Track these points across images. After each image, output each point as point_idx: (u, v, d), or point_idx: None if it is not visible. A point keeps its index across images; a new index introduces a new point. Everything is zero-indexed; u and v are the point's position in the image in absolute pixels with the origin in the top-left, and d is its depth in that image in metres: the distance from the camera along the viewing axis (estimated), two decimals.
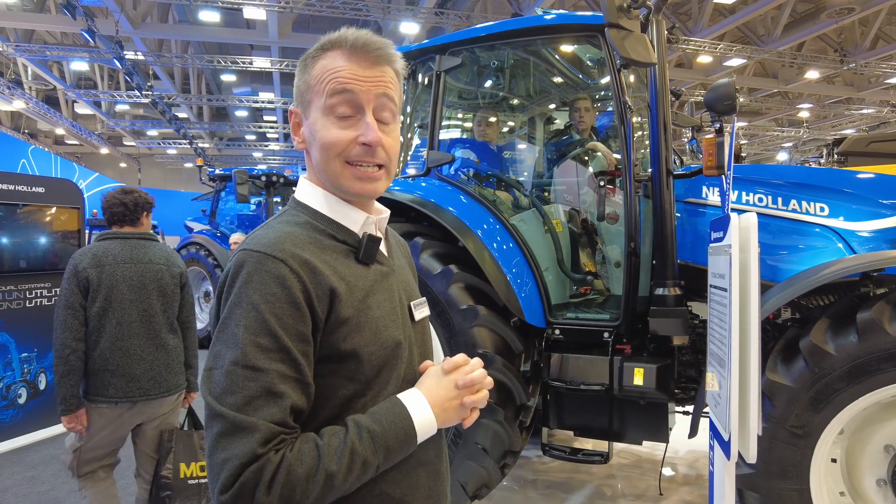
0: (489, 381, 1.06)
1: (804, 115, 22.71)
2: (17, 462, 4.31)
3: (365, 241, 1.03)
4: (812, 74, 16.84)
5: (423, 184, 3.36)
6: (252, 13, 12.95)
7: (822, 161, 10.22)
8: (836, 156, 8.82)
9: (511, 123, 4.28)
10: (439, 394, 1.00)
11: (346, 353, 0.95)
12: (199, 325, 8.83)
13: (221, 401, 0.84)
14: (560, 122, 4.08)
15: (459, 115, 4.09)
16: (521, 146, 4.29)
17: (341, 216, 1.04)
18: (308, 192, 1.06)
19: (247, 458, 0.81)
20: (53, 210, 5.16)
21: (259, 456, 0.81)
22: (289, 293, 0.89)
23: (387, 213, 1.13)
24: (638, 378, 2.73)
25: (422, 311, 1.16)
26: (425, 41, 3.56)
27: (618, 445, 4.29)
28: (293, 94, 1.07)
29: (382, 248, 1.10)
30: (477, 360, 1.07)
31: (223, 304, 0.92)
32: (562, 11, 3.20)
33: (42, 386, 4.96)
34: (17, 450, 4.55)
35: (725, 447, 1.80)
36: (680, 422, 3.23)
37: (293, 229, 0.98)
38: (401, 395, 0.99)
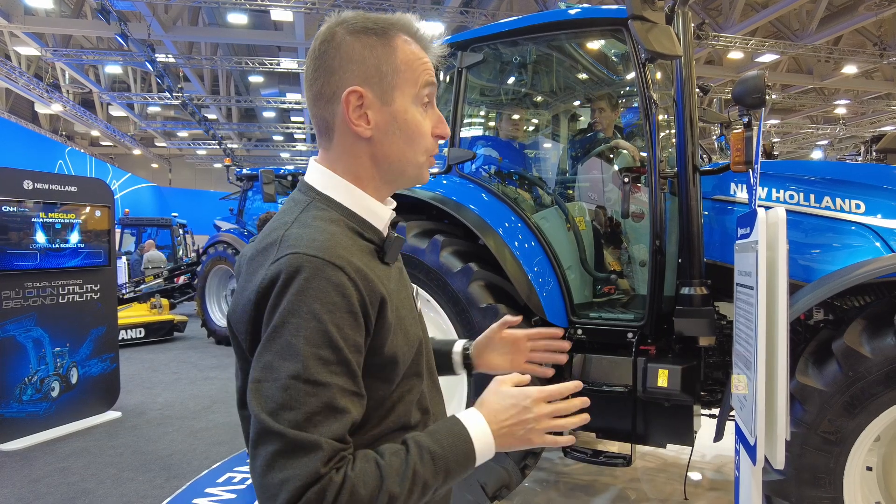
0: (574, 402, 0.97)
1: (840, 111, 22.01)
2: (50, 453, 4.43)
3: (392, 242, 1.00)
4: (849, 69, 16.30)
5: (445, 181, 3.34)
6: (279, 15, 13.14)
7: (860, 159, 9.90)
8: (874, 153, 8.53)
9: (534, 120, 4.23)
10: (500, 417, 0.95)
11: (388, 358, 0.93)
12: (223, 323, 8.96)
13: (278, 417, 0.79)
14: (585, 119, 4.02)
15: (482, 113, 4.06)
16: (545, 143, 4.24)
17: (369, 213, 1.00)
18: (332, 184, 0.99)
19: (310, 479, 0.77)
20: (87, 209, 5.30)
21: (321, 476, 0.77)
22: (348, 302, 0.85)
23: (394, 203, 1.10)
24: (662, 380, 2.66)
25: (420, 299, 1.17)
26: (447, 38, 3.54)
27: (643, 448, 4.21)
28: (352, 72, 0.95)
29: None
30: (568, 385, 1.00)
31: (272, 311, 0.84)
32: (586, 5, 3.15)
33: (74, 380, 5.10)
34: (50, 441, 4.68)
35: (752, 452, 1.74)
36: (706, 425, 3.14)
37: (335, 229, 0.92)
38: (461, 415, 0.95)
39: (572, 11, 3.08)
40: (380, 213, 1.01)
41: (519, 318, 1.34)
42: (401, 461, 0.85)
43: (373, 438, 0.93)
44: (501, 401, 0.96)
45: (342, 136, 0.99)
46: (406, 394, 0.99)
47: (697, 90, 2.98)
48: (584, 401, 1.00)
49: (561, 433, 0.98)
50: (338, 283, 0.84)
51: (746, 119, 2.40)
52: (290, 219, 0.94)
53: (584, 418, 0.99)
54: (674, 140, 2.96)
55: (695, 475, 3.92)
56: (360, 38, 0.96)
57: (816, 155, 25.23)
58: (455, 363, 1.32)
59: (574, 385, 1.00)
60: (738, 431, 1.99)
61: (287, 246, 0.87)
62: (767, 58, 15.22)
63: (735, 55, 15.56)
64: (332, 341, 0.82)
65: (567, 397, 0.99)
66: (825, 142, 25.58)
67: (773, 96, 17.04)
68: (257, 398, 0.82)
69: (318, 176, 1.00)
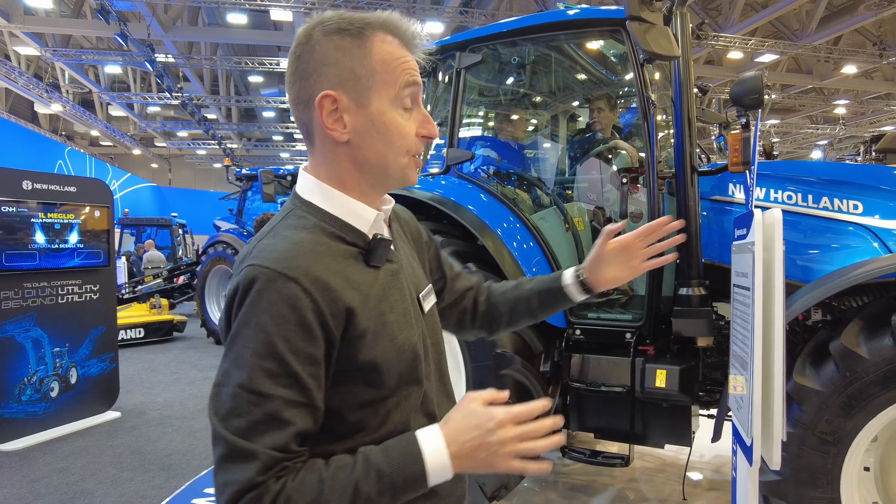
0: (543, 424, 0.90)
1: (840, 111, 22.02)
2: (49, 453, 4.44)
3: (376, 245, 0.97)
4: (849, 69, 16.31)
5: (444, 182, 3.34)
6: (279, 15, 13.14)
7: (860, 159, 9.90)
8: (873, 153, 8.53)
9: (533, 121, 4.23)
10: (461, 437, 0.88)
11: (365, 365, 0.92)
12: None
13: (226, 423, 0.82)
14: (584, 119, 4.03)
15: (480, 113, 4.06)
16: (544, 144, 4.24)
17: (351, 215, 0.97)
18: (314, 189, 0.99)
19: (246, 486, 0.80)
20: (86, 209, 5.30)
21: (258, 484, 0.80)
22: (299, 315, 0.84)
23: (392, 202, 1.08)
24: (660, 380, 2.67)
25: (430, 300, 1.12)
26: (445, 38, 3.55)
27: (641, 449, 4.21)
28: (327, 76, 0.93)
29: None
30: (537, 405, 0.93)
31: (232, 320, 0.87)
32: (585, 6, 3.15)
33: (73, 380, 5.10)
34: (49, 442, 4.68)
35: (748, 452, 1.74)
36: (704, 425, 3.15)
37: (302, 236, 0.92)
38: (420, 434, 0.90)
39: (571, 12, 3.09)
40: (363, 215, 0.99)
41: (623, 224, 1.28)
42: (345, 475, 0.84)
43: (371, 444, 0.93)
44: (465, 420, 0.89)
45: (321, 141, 0.98)
46: (403, 400, 0.97)
47: (696, 90, 2.99)
48: (557, 421, 0.92)
49: (534, 457, 0.91)
50: (288, 295, 0.84)
51: (744, 119, 2.40)
52: (268, 228, 0.96)
53: (557, 441, 0.90)
54: (672, 140, 2.96)
55: (693, 475, 3.92)
56: (333, 39, 0.93)
57: (816, 155, 25.23)
58: (572, 293, 1.27)
59: (542, 405, 0.92)
60: (735, 432, 2.00)
61: (252, 257, 0.89)
62: (767, 58, 15.23)
63: (735, 55, 15.57)
64: (277, 354, 0.83)
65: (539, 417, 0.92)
66: (825, 142, 25.59)
67: (773, 96, 17.04)
68: (213, 402, 0.85)
69: (302, 182, 1.01)
